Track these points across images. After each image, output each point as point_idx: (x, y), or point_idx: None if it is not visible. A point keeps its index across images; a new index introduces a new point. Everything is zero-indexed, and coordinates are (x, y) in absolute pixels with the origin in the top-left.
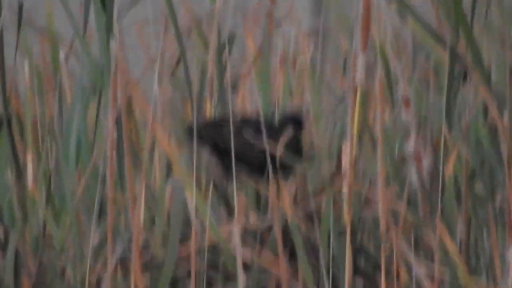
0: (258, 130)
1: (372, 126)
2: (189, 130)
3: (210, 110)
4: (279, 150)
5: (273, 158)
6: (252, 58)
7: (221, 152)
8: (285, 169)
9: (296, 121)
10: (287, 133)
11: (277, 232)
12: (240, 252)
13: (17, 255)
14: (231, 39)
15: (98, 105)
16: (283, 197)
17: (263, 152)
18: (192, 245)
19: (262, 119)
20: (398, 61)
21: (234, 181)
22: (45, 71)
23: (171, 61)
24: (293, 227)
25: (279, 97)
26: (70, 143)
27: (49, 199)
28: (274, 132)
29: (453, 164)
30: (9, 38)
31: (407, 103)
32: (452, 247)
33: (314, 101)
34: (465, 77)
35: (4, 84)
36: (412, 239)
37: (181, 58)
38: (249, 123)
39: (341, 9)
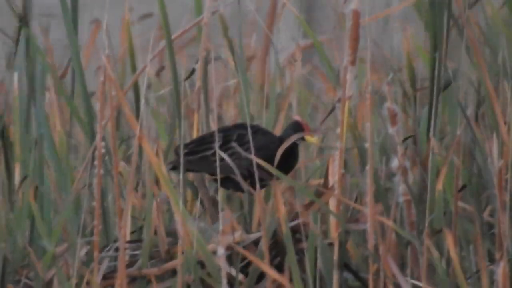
0: (244, 141)
1: (361, 140)
2: (176, 151)
3: (197, 121)
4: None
5: (260, 169)
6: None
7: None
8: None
9: (298, 128)
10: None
11: (264, 245)
12: (225, 267)
13: (4, 265)
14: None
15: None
16: (277, 209)
17: (251, 163)
18: (179, 259)
19: (249, 130)
20: (385, 76)
21: (220, 197)
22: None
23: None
24: (286, 239)
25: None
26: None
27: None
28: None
29: (443, 180)
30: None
31: (394, 118)
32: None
33: (303, 113)
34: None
35: None
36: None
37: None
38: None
39: (332, 23)
